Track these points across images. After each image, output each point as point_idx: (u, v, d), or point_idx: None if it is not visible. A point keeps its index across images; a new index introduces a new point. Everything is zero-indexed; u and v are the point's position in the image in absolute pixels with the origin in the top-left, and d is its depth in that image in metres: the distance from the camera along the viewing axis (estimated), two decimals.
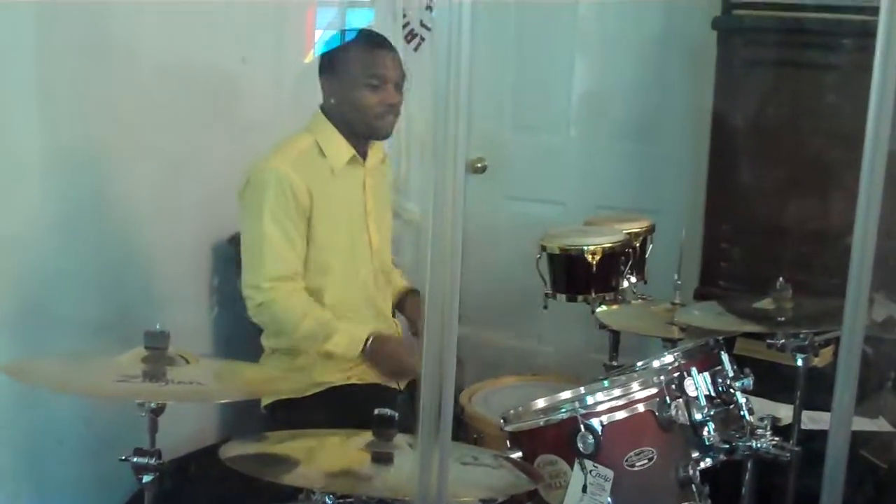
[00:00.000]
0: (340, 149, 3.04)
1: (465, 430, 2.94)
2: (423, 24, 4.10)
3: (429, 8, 4.05)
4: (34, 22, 2.85)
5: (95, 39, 3.03)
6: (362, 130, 3.04)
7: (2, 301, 2.89)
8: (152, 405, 2.06)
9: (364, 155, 3.11)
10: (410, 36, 4.12)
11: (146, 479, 2.08)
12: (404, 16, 4.11)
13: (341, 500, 1.95)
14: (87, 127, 3.08)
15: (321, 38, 3.87)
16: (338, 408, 2.85)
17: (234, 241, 3.52)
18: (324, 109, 3.07)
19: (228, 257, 3.56)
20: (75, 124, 3.03)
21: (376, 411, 2.03)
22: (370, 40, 3.05)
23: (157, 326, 2.15)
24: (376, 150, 3.18)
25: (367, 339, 2.97)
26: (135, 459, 2.07)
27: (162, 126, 3.29)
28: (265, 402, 3.06)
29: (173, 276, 3.44)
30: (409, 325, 3.34)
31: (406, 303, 3.33)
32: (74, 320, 3.01)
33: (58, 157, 3.01)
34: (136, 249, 3.31)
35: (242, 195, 2.99)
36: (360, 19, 4.14)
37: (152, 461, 2.07)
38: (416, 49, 4.13)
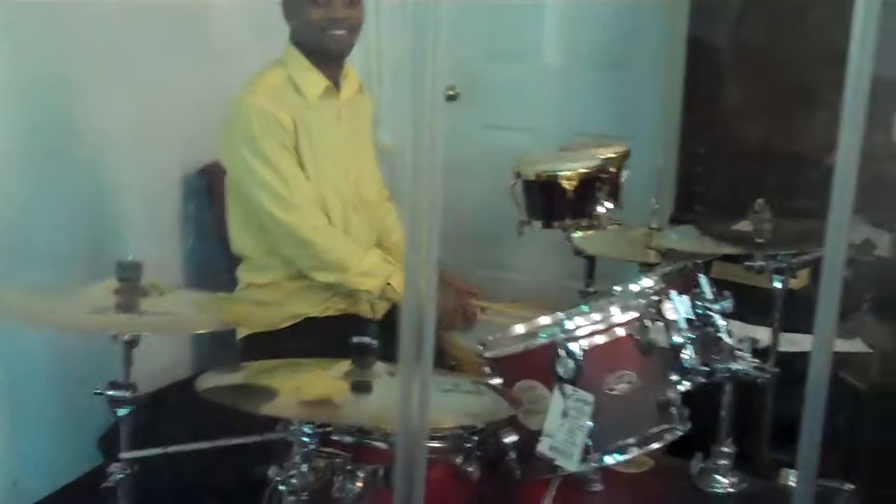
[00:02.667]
0: (313, 80, 3.00)
1: (443, 357, 2.94)
2: None
3: None
4: None
5: None
6: (315, 49, 2.98)
7: None
8: (126, 337, 2.03)
9: (338, 84, 3.06)
10: None
11: (121, 412, 2.07)
12: None
13: (320, 430, 1.93)
14: (52, 59, 3.01)
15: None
16: (314, 339, 2.83)
17: (206, 172, 3.49)
18: (292, 40, 3.02)
19: (200, 189, 3.53)
20: (40, 56, 2.96)
21: (354, 339, 2.01)
22: None
23: (130, 257, 2.12)
24: (351, 80, 3.14)
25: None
26: (110, 392, 2.05)
27: (129, 57, 3.23)
28: (240, 334, 3.04)
29: (144, 208, 3.40)
30: None
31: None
32: (44, 252, 2.98)
33: (23, 89, 2.95)
34: (106, 181, 3.27)
35: (227, 135, 2.95)
36: None
37: (127, 394, 2.06)
38: None
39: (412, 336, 1.30)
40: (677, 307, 2.27)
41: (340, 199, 3.07)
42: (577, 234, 3.16)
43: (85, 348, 2.73)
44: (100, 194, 3.23)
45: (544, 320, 2.18)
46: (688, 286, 2.35)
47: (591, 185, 3.16)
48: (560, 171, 3.14)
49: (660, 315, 2.24)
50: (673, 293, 2.28)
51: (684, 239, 2.76)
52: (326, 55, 3.00)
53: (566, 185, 3.12)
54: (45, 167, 3.03)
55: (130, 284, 2.09)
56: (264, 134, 2.87)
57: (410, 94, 1.25)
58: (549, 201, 3.18)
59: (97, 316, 2.01)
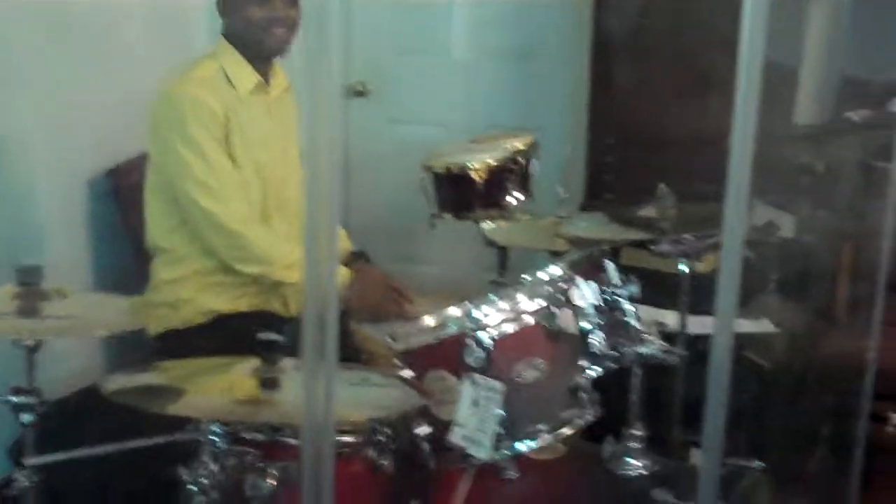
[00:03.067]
0: (245, 75, 3.00)
1: (354, 352, 2.93)
2: None
3: None
4: None
5: None
6: (252, 45, 2.98)
7: None
8: (29, 342, 2.00)
9: (268, 81, 3.07)
10: None
11: (26, 418, 2.03)
12: None
13: (229, 429, 1.91)
14: None
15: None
16: (226, 336, 2.79)
17: (113, 174, 3.44)
18: (225, 35, 3.02)
19: (108, 191, 3.47)
20: None
21: (260, 336, 2.00)
22: None
23: (31, 262, 2.08)
24: (280, 78, 3.13)
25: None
26: (13, 399, 2.01)
27: (31, 59, 3.16)
28: (155, 331, 3.00)
29: (49, 211, 3.32)
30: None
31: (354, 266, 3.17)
32: None
33: None
34: (8, 184, 3.19)
35: (156, 125, 2.94)
36: None
37: (31, 399, 2.02)
38: None
39: (315, 330, 1.29)
40: (585, 294, 2.29)
41: (263, 195, 3.04)
42: (489, 226, 3.17)
43: None
44: (1, 198, 3.17)
45: (453, 311, 2.19)
46: (595, 273, 2.37)
47: (501, 176, 3.17)
48: (469, 163, 3.14)
49: (568, 302, 2.26)
50: (580, 280, 2.29)
51: (592, 226, 2.79)
52: (264, 52, 3.01)
53: (476, 176, 3.12)
54: None
55: (31, 289, 2.06)
56: (196, 123, 2.86)
57: (307, 91, 1.25)
58: (459, 193, 3.18)
59: None
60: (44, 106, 3.21)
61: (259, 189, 3.02)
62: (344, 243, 3.25)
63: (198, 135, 2.86)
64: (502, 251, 3.27)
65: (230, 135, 2.92)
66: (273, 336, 1.99)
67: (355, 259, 3.20)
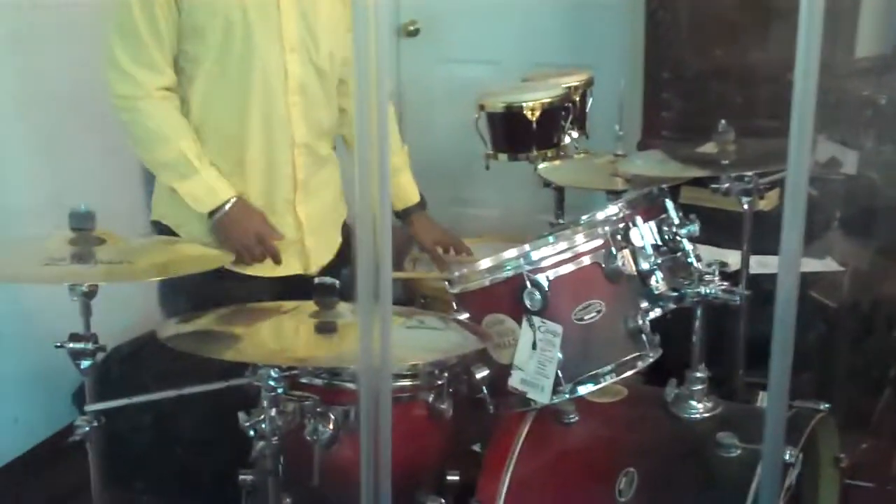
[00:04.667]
0: None
1: (411, 294, 2.91)
2: None
3: None
4: None
5: None
6: None
7: None
8: (84, 288, 1.99)
9: None
10: None
11: (84, 364, 2.03)
12: None
13: (286, 373, 1.90)
14: None
15: None
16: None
17: None
18: None
19: None
20: None
21: (317, 280, 1.98)
22: None
23: (83, 207, 2.07)
24: None
25: (226, 201, 2.53)
26: (71, 345, 2.01)
27: None
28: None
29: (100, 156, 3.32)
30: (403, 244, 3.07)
31: (411, 217, 2.93)
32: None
33: None
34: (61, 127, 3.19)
35: None
36: None
37: (88, 346, 2.01)
38: None
39: (369, 273, 1.27)
40: (643, 233, 2.25)
41: (270, 74, 2.52)
42: (544, 166, 3.12)
43: (49, 303, 2.69)
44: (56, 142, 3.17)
45: (510, 253, 2.15)
46: (654, 211, 2.32)
47: (556, 114, 3.12)
48: (523, 101, 3.09)
49: (626, 242, 2.22)
50: (639, 219, 2.25)
51: (649, 164, 2.73)
52: None
53: (530, 115, 3.08)
54: None
55: (84, 234, 2.05)
56: None
57: (358, 31, 1.22)
58: (513, 133, 3.14)
59: (52, 268, 1.96)
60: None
61: (238, 58, 2.49)
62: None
63: None
64: (558, 191, 3.22)
65: None
66: (329, 280, 1.97)
67: (416, 212, 2.95)
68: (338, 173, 2.82)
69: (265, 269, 2.60)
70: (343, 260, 2.78)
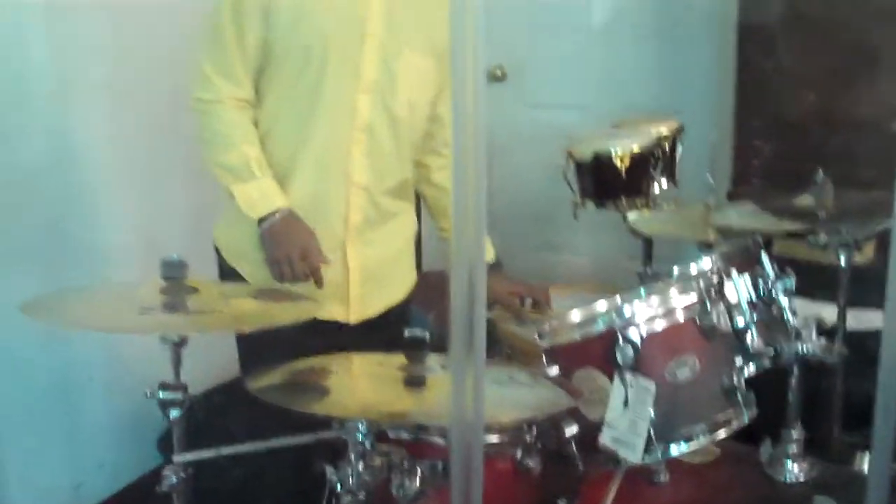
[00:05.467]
0: None
1: (497, 347, 2.87)
2: None
3: None
4: None
5: None
6: None
7: (22, 233, 2.85)
8: (174, 337, 1.99)
9: None
10: None
11: (173, 413, 2.03)
12: None
13: (375, 427, 1.88)
14: None
15: None
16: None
17: None
18: None
19: None
20: None
21: (407, 332, 1.96)
22: None
23: (175, 256, 2.08)
24: None
25: (277, 210, 2.48)
26: (160, 395, 2.01)
27: None
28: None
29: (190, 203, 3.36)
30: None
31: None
32: (92, 247, 2.96)
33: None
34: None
35: None
36: None
37: (178, 395, 2.01)
38: None
39: (463, 325, 1.25)
40: (738, 288, 2.20)
41: (338, 112, 2.50)
42: (633, 214, 3.08)
43: (139, 349, 2.71)
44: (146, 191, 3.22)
45: (601, 306, 2.12)
46: (749, 265, 2.27)
47: (645, 162, 3.08)
48: (612, 150, 3.06)
49: (721, 296, 2.17)
50: (733, 273, 2.20)
51: (743, 216, 2.69)
52: None
53: (619, 164, 3.04)
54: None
55: (176, 282, 2.05)
56: None
57: (454, 79, 1.20)
58: (602, 181, 3.10)
59: (144, 317, 1.97)
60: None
61: (309, 93, 2.48)
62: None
63: None
64: (647, 240, 3.18)
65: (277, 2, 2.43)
66: (419, 332, 1.95)
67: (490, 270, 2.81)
68: (410, 232, 2.77)
69: (304, 309, 2.30)
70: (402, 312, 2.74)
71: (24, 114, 2.88)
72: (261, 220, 2.49)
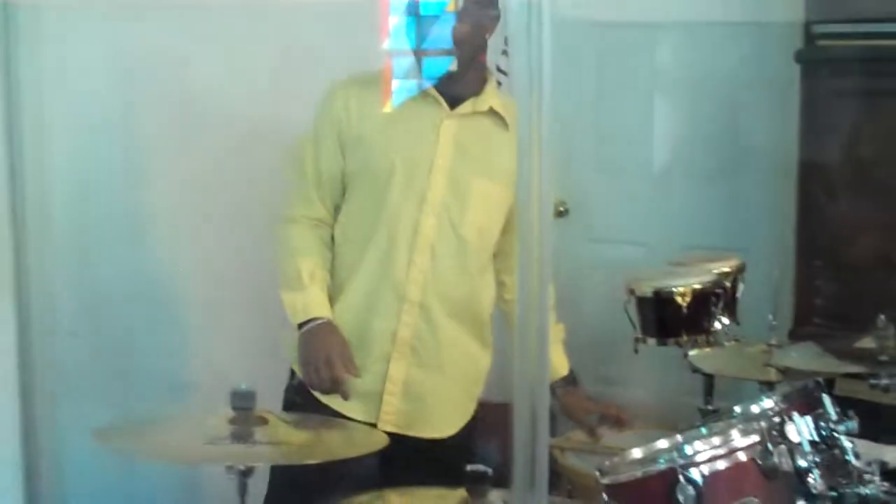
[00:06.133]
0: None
1: (558, 482, 2.87)
2: (499, 69, 4.07)
3: (504, 52, 4.00)
4: None
5: None
6: None
7: (92, 363, 2.91)
8: (241, 468, 2.03)
9: (453, 100, 2.67)
10: None
11: None
12: None
13: None
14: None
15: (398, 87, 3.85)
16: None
17: None
18: None
19: None
20: None
21: (469, 467, 1.99)
22: None
23: (243, 386, 2.13)
24: (484, 98, 2.69)
25: (316, 318, 2.59)
26: None
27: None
28: None
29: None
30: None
31: (560, 391, 2.89)
32: (158, 377, 3.03)
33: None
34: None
35: None
36: (437, 67, 4.10)
37: None
38: None
39: (525, 461, 1.27)
40: (800, 429, 2.19)
41: (401, 238, 2.62)
42: (694, 352, 3.10)
43: (208, 477, 2.74)
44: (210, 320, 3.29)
45: (662, 444, 2.13)
46: (810, 406, 2.27)
47: (707, 300, 3.10)
48: (673, 287, 3.09)
49: (783, 437, 2.16)
50: (795, 414, 2.20)
51: (804, 357, 2.69)
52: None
53: (680, 301, 3.07)
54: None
55: (244, 413, 2.10)
56: (321, 113, 2.70)
57: (520, 212, 1.25)
58: (663, 318, 3.12)
59: (213, 447, 2.01)
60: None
61: (375, 221, 2.63)
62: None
63: (317, 124, 2.69)
64: (708, 378, 3.18)
65: (352, 133, 2.64)
66: (481, 468, 1.97)
67: (564, 386, 2.94)
68: (474, 368, 2.82)
69: (372, 442, 2.38)
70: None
71: (105, 242, 2.99)
72: (300, 326, 2.60)
